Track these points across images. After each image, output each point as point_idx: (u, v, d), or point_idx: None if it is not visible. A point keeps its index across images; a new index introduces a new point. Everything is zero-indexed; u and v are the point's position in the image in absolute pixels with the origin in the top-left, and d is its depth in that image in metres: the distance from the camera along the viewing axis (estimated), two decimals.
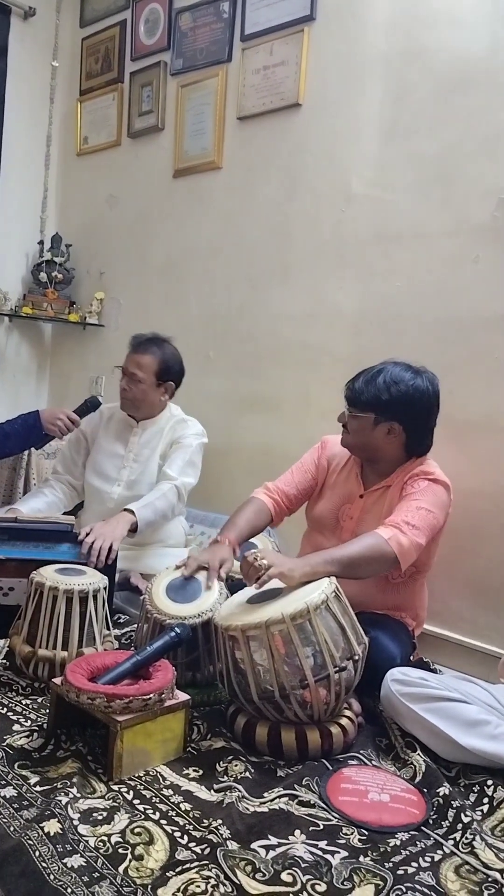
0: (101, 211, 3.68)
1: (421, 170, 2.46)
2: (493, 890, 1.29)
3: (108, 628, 2.10)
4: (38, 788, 1.50)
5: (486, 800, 1.55)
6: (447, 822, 1.46)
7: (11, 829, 1.36)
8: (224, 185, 3.11)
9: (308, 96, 2.79)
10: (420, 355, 2.38)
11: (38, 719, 1.78)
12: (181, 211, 3.29)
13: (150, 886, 1.24)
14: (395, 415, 2.05)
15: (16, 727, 1.74)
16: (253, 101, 2.96)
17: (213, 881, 1.25)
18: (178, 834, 1.39)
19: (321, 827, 1.44)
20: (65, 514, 2.76)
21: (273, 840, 1.38)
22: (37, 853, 1.29)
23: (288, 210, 2.87)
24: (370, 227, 2.60)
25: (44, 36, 3.77)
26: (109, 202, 3.65)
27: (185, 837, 1.38)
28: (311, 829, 1.43)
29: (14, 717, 1.79)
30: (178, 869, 1.28)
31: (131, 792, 1.52)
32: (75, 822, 1.38)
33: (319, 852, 1.36)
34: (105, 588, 2.06)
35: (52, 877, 1.24)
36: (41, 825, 1.35)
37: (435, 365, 2.35)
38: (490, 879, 1.31)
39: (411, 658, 2.13)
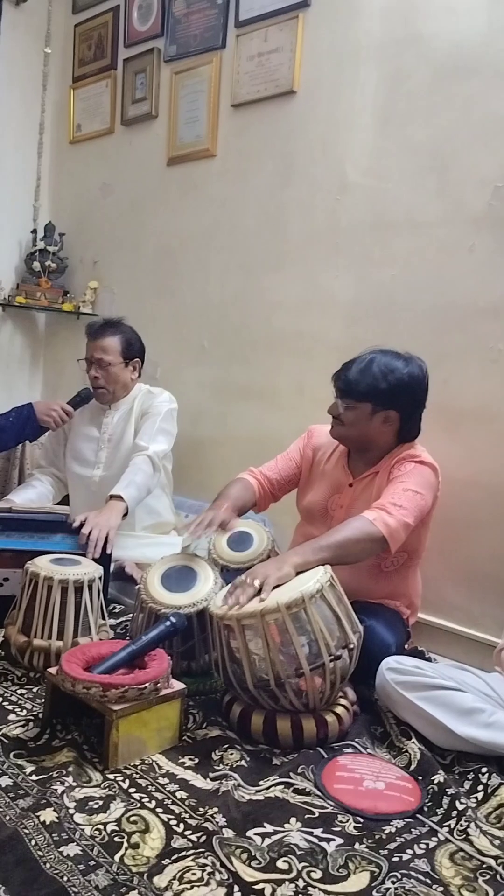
0: (95, 199, 3.66)
1: (416, 158, 2.44)
2: (488, 876, 1.30)
3: (104, 618, 2.10)
4: (33, 777, 1.50)
5: (480, 787, 1.56)
6: (442, 809, 1.47)
7: (7, 818, 1.36)
8: (218, 173, 3.09)
9: (303, 83, 2.77)
10: (415, 344, 2.37)
11: (34, 709, 1.79)
12: (175, 199, 3.27)
13: (146, 874, 1.24)
14: (392, 403, 2.05)
15: (11, 717, 1.75)
16: (247, 89, 2.94)
17: (208, 869, 1.26)
18: (173, 822, 1.39)
19: (316, 815, 1.44)
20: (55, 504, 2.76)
21: (269, 828, 1.39)
22: (32, 842, 1.29)
23: (282, 198, 2.85)
24: (365, 216, 2.59)
25: (36, 22, 3.73)
26: (103, 190, 3.62)
27: (181, 825, 1.38)
28: (306, 816, 1.43)
29: (9, 707, 1.79)
30: (173, 857, 1.29)
31: (127, 781, 1.52)
32: (71, 811, 1.39)
33: (315, 840, 1.36)
34: (100, 578, 2.06)
35: (47, 865, 1.24)
36: (37, 814, 1.36)
37: (430, 354, 2.35)
38: (484, 866, 1.32)
39: (406, 646, 2.13)
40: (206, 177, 3.14)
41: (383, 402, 2.05)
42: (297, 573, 1.78)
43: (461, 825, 1.42)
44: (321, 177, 2.72)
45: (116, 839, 1.33)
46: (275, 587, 1.74)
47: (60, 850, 1.28)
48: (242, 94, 2.96)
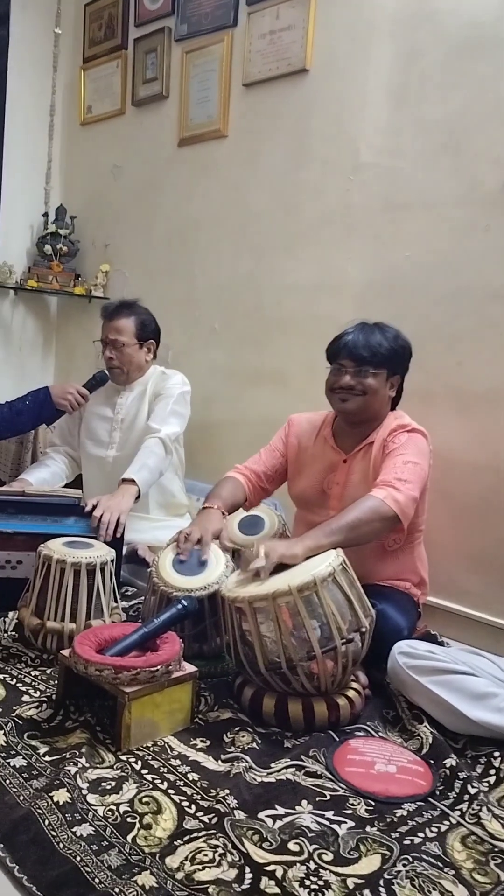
0: (106, 181, 3.64)
1: (430, 137, 2.41)
2: (500, 860, 1.29)
3: (116, 601, 2.11)
4: (47, 758, 1.51)
5: (492, 771, 1.56)
6: (454, 793, 1.47)
7: (21, 798, 1.38)
8: (230, 153, 3.07)
9: (315, 61, 2.73)
10: (428, 326, 2.36)
11: (47, 690, 1.80)
12: (186, 180, 3.25)
13: (158, 855, 1.25)
14: (399, 367, 2.10)
15: (25, 698, 1.76)
16: (259, 67, 2.90)
17: (220, 850, 1.26)
18: (185, 803, 1.40)
19: (328, 797, 1.45)
20: (66, 485, 2.77)
21: (280, 810, 1.39)
22: (46, 822, 1.30)
23: (294, 178, 2.82)
24: (378, 196, 2.56)
25: (45, 3, 3.70)
26: (114, 172, 3.60)
27: (193, 807, 1.39)
28: (317, 799, 1.44)
29: (23, 689, 1.81)
30: (185, 838, 1.30)
31: (139, 762, 1.53)
32: (84, 792, 1.40)
33: (326, 822, 1.37)
34: (112, 561, 2.06)
35: (61, 845, 1.25)
36: (50, 794, 1.37)
37: (443, 336, 2.33)
38: (496, 850, 1.32)
39: (417, 626, 2.12)
40: (218, 157, 3.11)
41: (395, 367, 2.08)
42: (309, 556, 1.77)
43: (473, 809, 1.42)
44: (334, 156, 2.69)
45: (129, 820, 1.34)
46: (281, 566, 1.75)
47: (74, 830, 1.29)
48: (254, 73, 2.92)
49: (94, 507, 2.28)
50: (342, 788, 1.48)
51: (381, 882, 1.22)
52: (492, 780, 1.54)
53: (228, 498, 2.17)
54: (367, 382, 2.05)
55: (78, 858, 1.22)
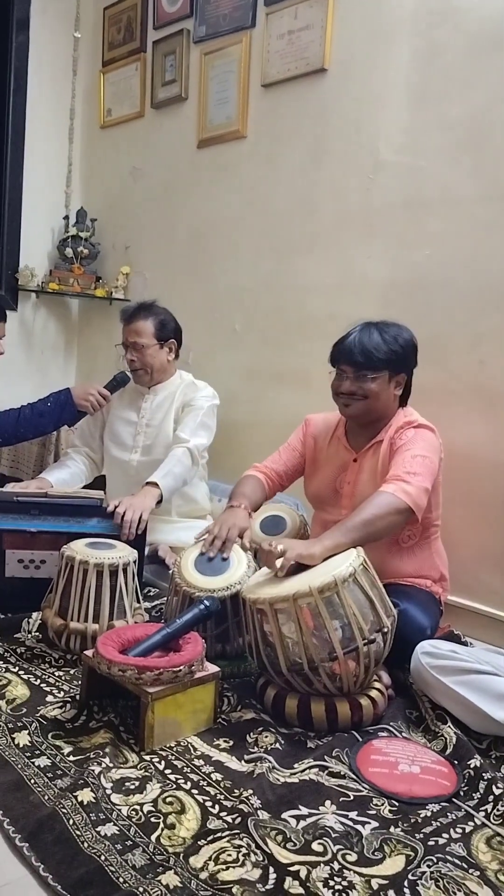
0: (126, 184, 3.66)
1: (452, 134, 2.39)
2: None
3: (139, 601, 2.12)
4: (71, 758, 1.52)
5: None
6: (478, 793, 1.46)
7: (46, 797, 1.39)
8: (249, 154, 3.07)
9: (334, 61, 2.72)
10: (451, 325, 2.34)
11: (71, 690, 1.81)
12: (206, 182, 3.26)
13: (181, 854, 1.25)
14: (403, 366, 2.08)
15: (49, 698, 1.77)
16: (277, 68, 2.90)
17: (244, 850, 1.27)
18: (209, 803, 1.40)
19: (351, 798, 1.44)
20: (85, 487, 2.79)
21: (304, 810, 1.39)
22: (71, 821, 1.31)
23: (314, 178, 2.82)
24: (399, 195, 2.55)
25: (65, 6, 3.72)
26: (134, 175, 3.62)
27: (217, 807, 1.39)
28: (341, 799, 1.43)
29: (47, 689, 1.82)
30: (209, 838, 1.30)
31: (163, 762, 1.53)
32: (108, 792, 1.41)
33: (350, 823, 1.36)
34: (135, 562, 2.07)
35: (85, 844, 1.26)
36: (75, 794, 1.38)
37: (466, 335, 2.32)
38: None
39: (440, 626, 2.11)
40: (237, 158, 3.11)
41: (397, 367, 2.07)
42: (328, 556, 1.77)
43: (498, 809, 1.41)
44: (354, 156, 2.68)
45: (153, 819, 1.35)
46: (301, 567, 1.75)
47: (98, 829, 1.30)
48: (273, 74, 2.92)
49: (117, 507, 2.29)
50: (366, 789, 1.48)
51: (406, 883, 1.22)
52: None
53: (252, 496, 2.19)
54: (367, 387, 2.06)
55: (102, 858, 1.23)
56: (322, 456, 2.25)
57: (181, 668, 1.60)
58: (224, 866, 1.23)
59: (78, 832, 1.29)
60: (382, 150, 2.59)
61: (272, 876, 1.22)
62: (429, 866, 1.26)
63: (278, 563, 1.76)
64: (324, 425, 2.27)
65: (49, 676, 1.89)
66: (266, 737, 1.63)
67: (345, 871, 1.24)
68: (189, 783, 1.47)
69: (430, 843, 1.32)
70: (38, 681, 1.86)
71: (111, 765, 1.49)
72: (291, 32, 2.84)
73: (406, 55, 2.50)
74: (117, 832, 1.30)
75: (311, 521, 2.34)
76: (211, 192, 3.23)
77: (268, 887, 1.19)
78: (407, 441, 2.02)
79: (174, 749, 1.59)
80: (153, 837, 1.30)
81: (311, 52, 2.77)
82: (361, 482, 2.11)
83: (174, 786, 1.45)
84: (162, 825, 1.33)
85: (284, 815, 1.37)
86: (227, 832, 1.31)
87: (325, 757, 1.57)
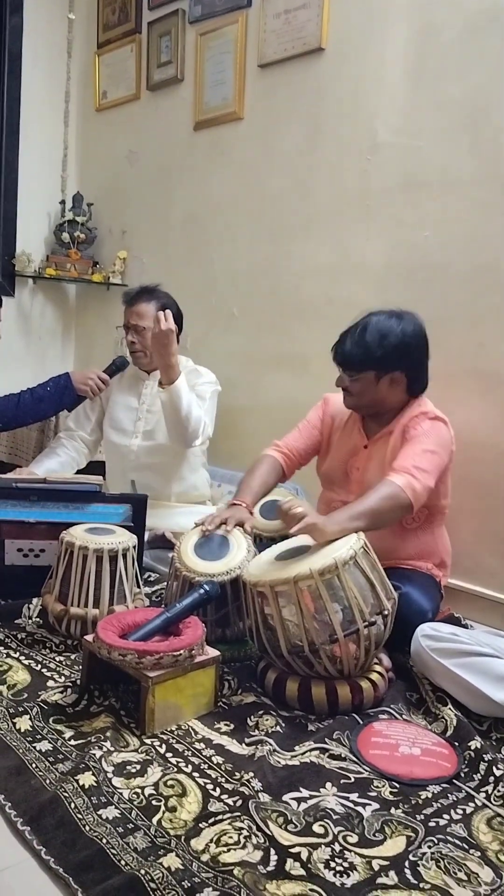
0: (122, 168, 3.63)
1: (449, 114, 2.37)
2: None
3: (139, 586, 2.12)
4: (72, 742, 1.53)
5: None
6: (479, 775, 1.47)
7: (47, 781, 1.39)
8: (245, 136, 3.04)
9: (331, 40, 2.69)
10: (449, 307, 2.33)
11: (72, 675, 1.81)
12: (202, 165, 3.23)
13: (183, 837, 1.26)
14: (394, 365, 2.05)
15: (50, 683, 1.78)
16: (274, 48, 2.87)
17: (245, 832, 1.27)
18: (210, 786, 1.41)
19: (352, 780, 1.45)
20: (78, 471, 2.79)
21: (304, 792, 1.39)
22: (72, 805, 1.31)
23: (311, 160, 2.79)
24: (397, 176, 2.52)
25: None
26: (130, 158, 3.59)
27: (218, 790, 1.40)
28: (342, 781, 1.44)
29: (48, 674, 1.82)
30: (210, 820, 1.30)
31: (164, 745, 1.54)
32: (109, 775, 1.41)
33: (351, 804, 1.37)
34: (134, 547, 2.07)
35: (87, 828, 1.26)
36: (76, 778, 1.38)
37: (465, 316, 2.30)
38: None
39: (440, 610, 2.12)
40: (234, 140, 3.09)
41: (385, 367, 2.04)
42: (333, 539, 1.77)
43: (499, 790, 1.41)
44: (351, 137, 2.65)
45: (154, 802, 1.35)
46: (302, 549, 1.77)
47: (99, 813, 1.30)
48: (269, 54, 2.89)
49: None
50: (366, 771, 1.48)
51: (407, 864, 1.22)
52: None
53: (259, 488, 2.17)
54: (352, 386, 2.09)
55: (104, 841, 1.23)
56: (337, 436, 2.25)
57: (181, 652, 1.60)
58: (225, 848, 1.23)
59: (79, 816, 1.29)
60: (380, 131, 2.56)
61: (273, 857, 1.22)
62: (429, 847, 1.26)
63: (296, 509, 1.78)
64: (342, 406, 2.25)
65: (50, 661, 1.89)
66: (267, 720, 1.64)
67: (346, 852, 1.24)
68: (190, 766, 1.47)
69: (431, 824, 1.32)
70: (39, 666, 1.86)
71: (112, 749, 1.49)
72: (288, 12, 2.80)
73: (403, 34, 2.47)
74: (118, 815, 1.30)
75: (318, 500, 2.33)
76: (207, 175, 3.21)
77: (269, 869, 1.19)
78: (421, 433, 2.02)
79: (175, 733, 1.59)
80: (154, 820, 1.30)
81: (308, 31, 2.74)
82: (370, 470, 2.11)
83: (175, 769, 1.46)
84: (163, 808, 1.33)
85: (285, 798, 1.37)
86: (229, 815, 1.32)
87: (326, 739, 1.57)
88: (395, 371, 2.05)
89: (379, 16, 2.53)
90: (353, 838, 1.28)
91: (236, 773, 1.44)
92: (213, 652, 1.69)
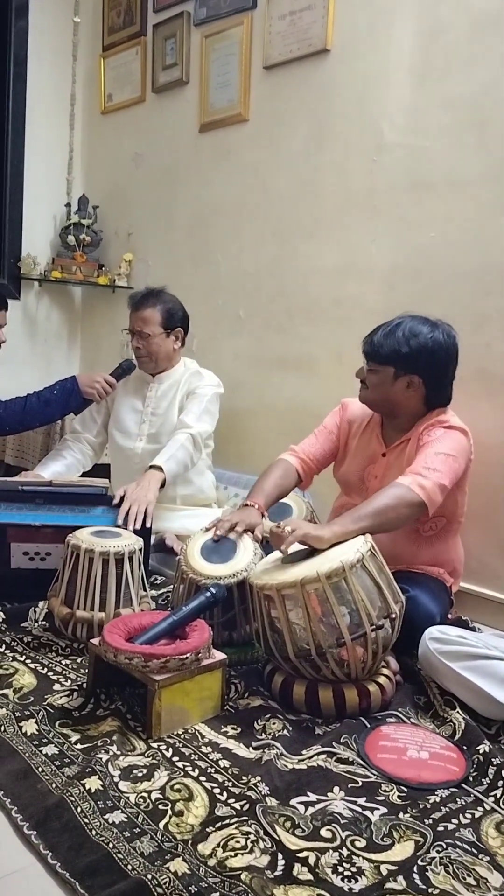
0: (128, 170, 3.63)
1: (455, 114, 2.36)
2: None
3: (145, 589, 2.12)
4: (78, 746, 1.52)
5: None
6: (487, 779, 1.45)
7: (53, 785, 1.39)
8: (251, 137, 3.04)
9: (336, 41, 2.69)
10: (455, 307, 2.32)
11: (78, 679, 1.81)
12: (208, 167, 3.23)
13: (190, 841, 1.25)
14: (414, 367, 2.03)
15: (56, 687, 1.77)
16: (279, 49, 2.87)
17: (252, 836, 1.26)
18: (217, 790, 1.40)
19: (360, 784, 1.44)
20: (84, 474, 2.78)
21: (312, 797, 1.38)
22: (78, 809, 1.31)
23: (317, 161, 2.79)
24: (403, 176, 2.52)
25: None
26: (136, 161, 3.59)
27: (225, 794, 1.39)
28: (349, 785, 1.43)
29: (54, 678, 1.82)
30: (217, 825, 1.29)
31: (170, 749, 1.53)
32: (116, 779, 1.40)
33: (358, 809, 1.36)
34: (140, 550, 2.06)
35: (93, 832, 1.26)
36: (82, 782, 1.37)
37: (471, 317, 2.29)
38: None
39: (449, 615, 2.11)
40: (239, 142, 3.08)
41: (405, 367, 2.03)
42: (336, 543, 1.76)
43: None
44: (357, 137, 2.65)
45: (161, 807, 1.34)
46: (309, 553, 1.75)
47: (106, 817, 1.30)
48: (274, 56, 2.89)
49: (122, 500, 2.28)
50: (374, 775, 1.47)
51: (415, 868, 1.21)
52: None
53: (272, 491, 2.15)
54: (369, 377, 2.09)
55: (111, 845, 1.23)
56: (355, 441, 2.24)
57: (188, 655, 1.59)
58: (232, 853, 1.22)
59: (86, 820, 1.28)
60: (385, 131, 2.55)
61: (280, 862, 1.21)
62: (438, 852, 1.25)
63: (287, 542, 1.76)
64: (361, 412, 2.24)
65: (56, 665, 1.89)
66: (274, 723, 1.63)
67: (354, 856, 1.23)
68: (197, 770, 1.46)
69: (440, 828, 1.31)
70: (45, 669, 1.86)
71: (119, 752, 1.48)
72: (293, 13, 2.80)
73: (408, 35, 2.47)
74: (125, 819, 1.30)
75: (334, 503, 2.32)
76: (213, 177, 3.21)
77: (276, 873, 1.19)
78: (433, 439, 2.00)
79: (182, 736, 1.58)
80: (161, 825, 1.29)
81: (313, 32, 2.74)
82: (389, 478, 2.06)
83: (182, 773, 1.45)
84: (170, 812, 1.33)
85: (293, 802, 1.36)
86: (236, 819, 1.31)
87: (334, 743, 1.56)
88: (414, 374, 2.04)
89: (384, 17, 2.53)
90: (361, 843, 1.27)
91: (243, 777, 1.43)
92: (219, 655, 1.69)
